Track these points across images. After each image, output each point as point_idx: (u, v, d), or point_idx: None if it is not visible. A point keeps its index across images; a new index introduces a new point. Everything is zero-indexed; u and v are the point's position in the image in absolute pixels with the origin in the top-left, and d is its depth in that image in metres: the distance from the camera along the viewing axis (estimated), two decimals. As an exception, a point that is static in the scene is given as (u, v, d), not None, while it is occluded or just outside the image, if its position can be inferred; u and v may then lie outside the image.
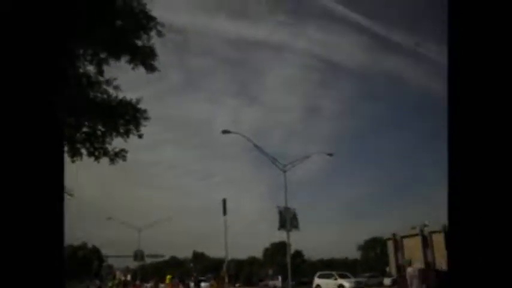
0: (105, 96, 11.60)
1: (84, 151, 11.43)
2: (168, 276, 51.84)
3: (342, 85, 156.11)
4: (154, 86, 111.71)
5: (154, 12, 11.42)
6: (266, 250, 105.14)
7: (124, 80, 11.96)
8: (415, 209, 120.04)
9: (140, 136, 12.11)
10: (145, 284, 62.68)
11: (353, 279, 43.34)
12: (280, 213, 34.01)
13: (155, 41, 11.74)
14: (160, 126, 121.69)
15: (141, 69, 11.86)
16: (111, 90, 11.64)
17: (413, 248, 68.31)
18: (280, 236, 70.83)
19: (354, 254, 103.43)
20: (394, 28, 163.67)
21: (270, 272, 68.30)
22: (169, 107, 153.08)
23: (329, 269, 51.86)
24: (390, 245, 76.74)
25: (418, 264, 50.05)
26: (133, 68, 11.73)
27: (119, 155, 11.96)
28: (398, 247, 73.93)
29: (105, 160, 11.86)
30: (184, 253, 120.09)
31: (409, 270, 16.35)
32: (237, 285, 54.31)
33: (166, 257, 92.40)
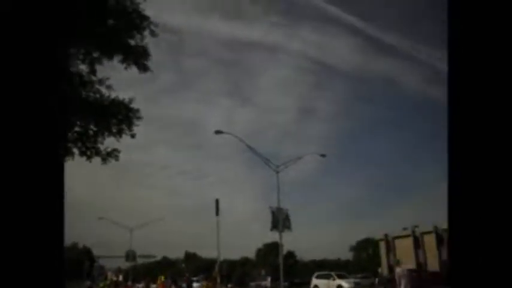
0: (97, 95, 11.54)
1: (76, 150, 11.34)
2: (161, 277, 51.65)
3: (336, 86, 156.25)
4: (147, 86, 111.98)
5: (148, 12, 11.39)
6: (259, 251, 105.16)
7: (117, 79, 11.91)
8: (407, 210, 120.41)
9: (133, 136, 12.06)
10: (137, 285, 62.44)
11: (352, 280, 42.52)
12: (273, 213, 34.00)
13: (148, 40, 11.71)
14: (153, 126, 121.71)
15: (134, 69, 11.83)
16: (103, 90, 11.60)
17: (405, 248, 68.55)
18: (273, 236, 70.96)
19: (347, 254, 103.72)
20: (388, 30, 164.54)
21: (263, 272, 68.24)
22: (163, 107, 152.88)
23: (321, 270, 51.38)
24: (382, 246, 76.98)
25: (410, 264, 50.32)
26: (126, 68, 11.67)
27: (111, 155, 11.89)
28: (390, 248, 74.16)
29: (97, 160, 11.80)
30: (177, 253, 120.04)
31: (398, 270, 16.83)
32: (229, 285, 54.19)
33: (158, 258, 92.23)
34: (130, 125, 11.90)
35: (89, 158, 11.59)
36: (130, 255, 62.84)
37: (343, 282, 40.79)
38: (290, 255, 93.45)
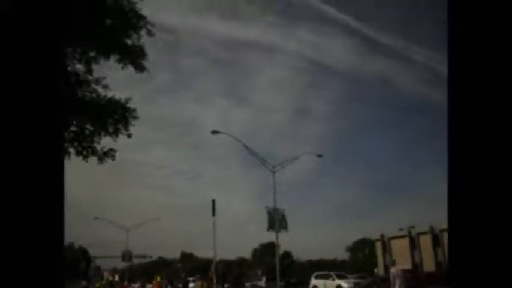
0: (94, 95, 11.51)
1: (72, 150, 11.31)
2: (157, 277, 51.55)
3: (333, 86, 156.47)
4: (144, 86, 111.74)
5: (145, 12, 11.37)
6: (255, 251, 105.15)
7: (113, 79, 11.88)
8: (404, 210, 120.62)
9: (129, 135, 12.03)
10: (133, 285, 62.34)
11: (351, 280, 41.38)
12: (269, 214, 33.99)
13: (145, 40, 11.69)
14: (149, 126, 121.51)
15: (131, 69, 11.81)
16: (100, 89, 11.57)
17: (401, 249, 68.70)
18: (269, 236, 70.64)
19: (343, 255, 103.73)
20: (384, 30, 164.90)
21: (259, 272, 68.22)
22: (159, 106, 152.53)
23: (318, 270, 51.08)
24: (378, 246, 77.15)
25: (406, 265, 50.37)
26: (122, 68, 11.65)
27: (107, 155, 11.87)
28: (386, 248, 74.31)
29: (93, 159, 11.77)
30: (173, 253, 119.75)
31: (393, 270, 17.18)
32: (226, 286, 54.11)
33: (155, 258, 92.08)
34: (126, 125, 11.87)
35: (86, 157, 11.56)
36: (126, 255, 62.67)
37: (343, 283, 39.94)
38: (286, 255, 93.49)
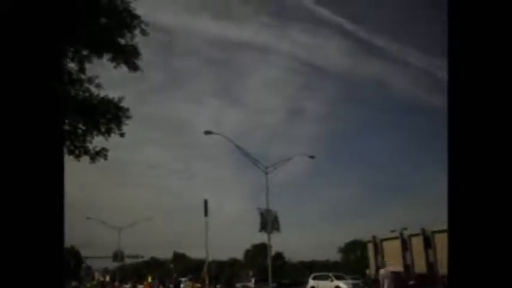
0: (86, 94, 11.43)
1: (64, 149, 11.22)
2: (148, 277, 51.40)
3: (326, 88, 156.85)
4: (137, 85, 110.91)
5: (139, 11, 11.34)
6: (247, 252, 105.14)
7: (106, 78, 11.83)
8: (396, 212, 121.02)
9: (122, 135, 11.97)
10: (124, 285, 62.09)
11: (350, 281, 41.00)
12: (262, 215, 34.06)
13: (139, 40, 11.65)
14: (142, 125, 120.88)
15: (124, 68, 11.77)
16: (92, 88, 11.50)
17: (393, 250, 68.97)
18: (261, 237, 70.72)
19: (335, 256, 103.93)
20: (378, 32, 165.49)
21: (250, 273, 68.22)
22: (152, 106, 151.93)
23: (310, 271, 51.02)
24: (370, 248, 77.41)
25: (398, 266, 50.51)
26: (115, 67, 11.61)
27: (100, 154, 11.79)
28: (378, 250, 74.57)
29: (85, 159, 11.69)
30: (165, 254, 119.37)
31: (381, 271, 17.52)
32: (218, 286, 54.05)
33: (147, 258, 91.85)
34: (119, 124, 11.81)
35: (78, 157, 11.48)
36: (118, 256, 62.45)
37: (342, 284, 39.49)
38: (278, 256, 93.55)
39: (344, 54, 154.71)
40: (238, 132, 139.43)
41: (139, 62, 11.84)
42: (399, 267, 54.72)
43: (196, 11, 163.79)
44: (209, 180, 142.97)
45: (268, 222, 33.75)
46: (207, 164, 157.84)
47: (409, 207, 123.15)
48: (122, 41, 11.46)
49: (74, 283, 59.69)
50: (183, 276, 64.37)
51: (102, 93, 11.59)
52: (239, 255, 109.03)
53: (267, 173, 35.10)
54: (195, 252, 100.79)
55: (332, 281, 40.27)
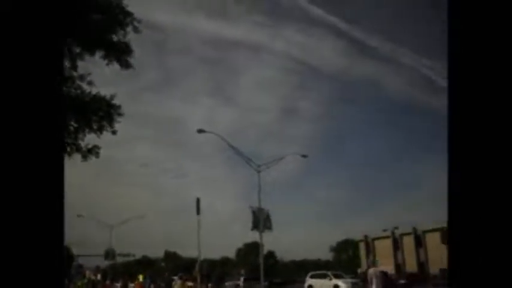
0: (78, 91, 11.36)
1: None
2: (139, 276, 51.26)
3: (320, 87, 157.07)
4: (130, 84, 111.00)
5: (133, 9, 11.26)
6: (239, 250, 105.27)
7: (98, 75, 11.75)
8: (388, 211, 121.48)
9: (114, 132, 11.91)
10: (116, 284, 61.84)
11: (349, 280, 39.64)
12: (254, 213, 34.00)
13: (132, 37, 11.58)
14: (135, 123, 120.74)
15: (117, 66, 11.68)
16: (84, 86, 11.42)
17: (384, 249, 69.29)
18: (253, 236, 70.98)
19: (327, 255, 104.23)
20: (372, 32, 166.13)
21: (242, 272, 68.25)
22: (145, 104, 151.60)
23: (302, 270, 50.95)
24: (362, 247, 77.68)
25: (389, 265, 50.71)
26: (107, 64, 11.52)
27: (91, 152, 11.74)
28: (369, 249, 74.84)
29: (77, 156, 11.61)
30: (157, 252, 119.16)
31: (370, 270, 17.79)
32: (210, 285, 53.94)
33: (138, 256, 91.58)
34: (111, 122, 11.76)
35: (69, 154, 11.40)
36: (109, 254, 62.20)
37: (340, 282, 38.37)
38: (270, 255, 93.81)
39: (339, 54, 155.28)
40: (231, 131, 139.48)
41: (132, 60, 11.81)
42: (391, 267, 55.06)
43: (191, 9, 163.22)
44: (201, 179, 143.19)
45: (261, 220, 33.71)
46: (199, 162, 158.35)
47: (401, 206, 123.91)
48: (114, 38, 11.38)
49: (65, 281, 59.40)
50: (175, 275, 64.28)
51: (94, 91, 11.54)
52: (231, 253, 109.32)
53: (259, 172, 35.06)
54: (187, 251, 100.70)
55: (331, 279, 39.39)
